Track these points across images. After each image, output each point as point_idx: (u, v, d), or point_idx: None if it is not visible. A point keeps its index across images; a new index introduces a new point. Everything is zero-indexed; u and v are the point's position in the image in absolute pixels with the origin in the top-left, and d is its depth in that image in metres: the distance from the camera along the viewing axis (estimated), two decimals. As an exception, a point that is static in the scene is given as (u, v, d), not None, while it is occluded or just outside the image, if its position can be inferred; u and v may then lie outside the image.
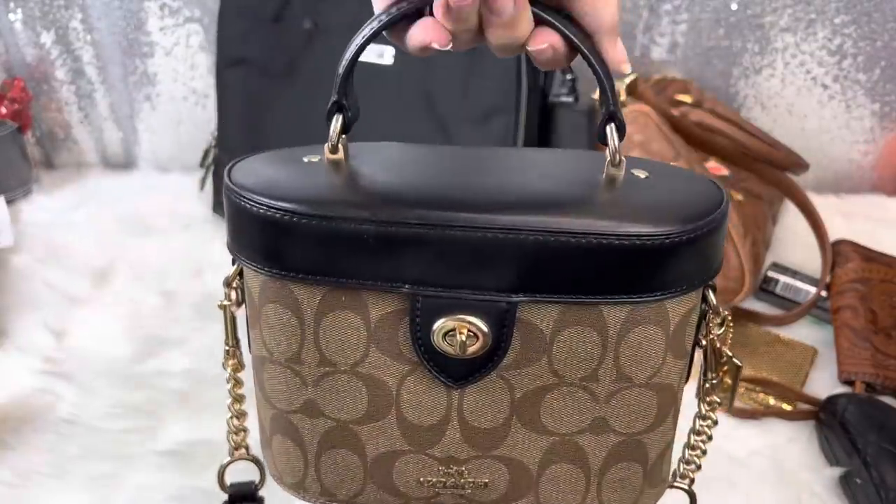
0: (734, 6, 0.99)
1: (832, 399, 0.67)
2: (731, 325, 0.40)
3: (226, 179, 0.38)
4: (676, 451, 0.45)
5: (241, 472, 0.50)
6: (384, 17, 0.36)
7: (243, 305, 0.41)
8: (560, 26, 0.35)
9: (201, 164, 1.01)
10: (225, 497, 0.51)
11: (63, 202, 1.00)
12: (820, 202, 0.91)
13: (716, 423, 0.44)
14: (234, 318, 0.43)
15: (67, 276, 0.86)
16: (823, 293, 0.82)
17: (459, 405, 0.38)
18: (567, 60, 0.36)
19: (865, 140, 1.06)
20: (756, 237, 0.82)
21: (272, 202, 0.35)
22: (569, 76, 0.86)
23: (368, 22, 0.36)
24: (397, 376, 0.38)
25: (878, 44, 0.99)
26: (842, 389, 0.72)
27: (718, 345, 0.40)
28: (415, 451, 0.40)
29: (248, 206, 0.36)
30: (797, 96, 1.03)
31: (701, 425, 0.44)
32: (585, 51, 0.35)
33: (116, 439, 0.65)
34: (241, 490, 0.50)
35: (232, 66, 0.90)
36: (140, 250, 0.91)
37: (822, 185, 1.06)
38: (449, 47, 0.35)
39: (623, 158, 0.38)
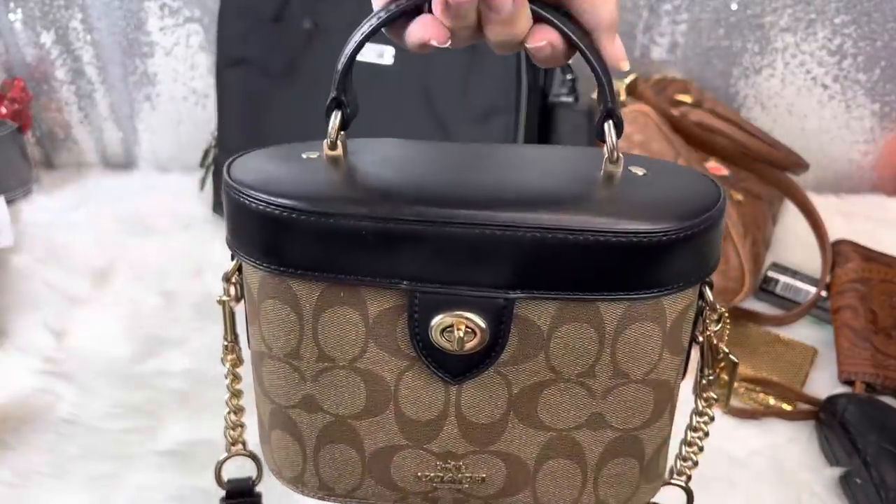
0: (734, 6, 0.99)
1: (832, 399, 0.67)
2: (728, 321, 0.40)
3: (225, 175, 0.38)
4: (673, 448, 0.45)
5: (239, 469, 0.51)
6: (383, 14, 0.36)
7: (242, 301, 0.41)
8: (558, 24, 0.35)
9: (201, 164, 1.01)
10: (222, 493, 0.51)
11: (63, 202, 1.00)
12: (820, 202, 0.91)
13: (712, 419, 0.44)
14: (232, 314, 0.43)
15: (67, 276, 0.86)
16: (823, 293, 0.82)
17: (457, 401, 0.38)
18: (565, 58, 0.37)
19: (865, 140, 1.06)
20: (756, 237, 0.82)
21: (271, 199, 0.35)
22: (569, 76, 0.86)
23: (367, 19, 0.36)
24: (395, 372, 0.38)
25: (878, 44, 0.99)
26: (842, 389, 0.72)
27: (715, 341, 0.40)
28: (413, 446, 0.40)
29: (247, 202, 0.36)
30: (797, 96, 1.03)
31: (698, 422, 0.44)
32: (584, 48, 0.36)
33: (116, 439, 0.65)
34: (238, 486, 0.50)
35: (232, 66, 0.90)
36: (140, 250, 0.91)
37: (822, 185, 1.06)
38: (448, 44, 0.35)
39: (621, 155, 0.38)
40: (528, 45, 0.36)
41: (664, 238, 0.34)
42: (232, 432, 0.47)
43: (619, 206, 0.35)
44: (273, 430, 0.42)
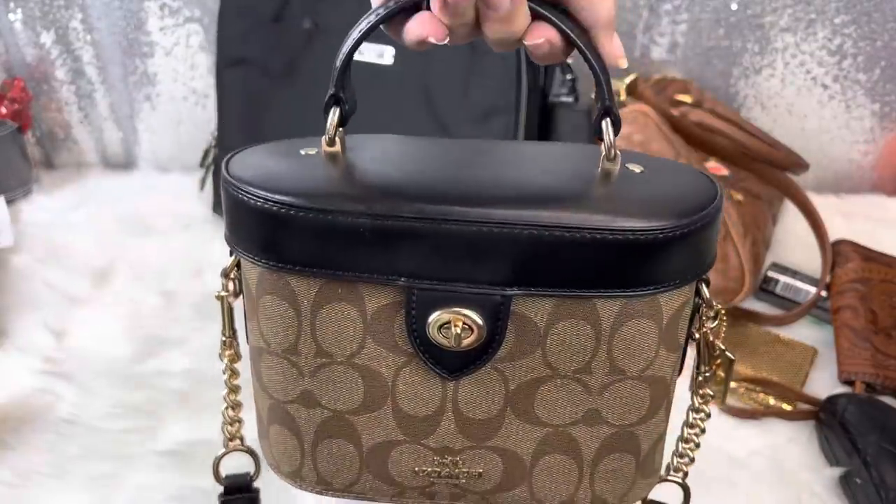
0: (734, 6, 0.99)
1: (832, 399, 0.67)
2: (725, 318, 0.40)
3: (223, 171, 0.38)
4: (670, 445, 0.45)
5: (238, 465, 0.51)
6: (381, 11, 0.36)
7: (241, 296, 0.41)
8: (556, 21, 0.35)
9: (201, 164, 1.01)
10: (221, 489, 0.51)
11: (63, 202, 1.00)
12: (820, 202, 0.91)
13: (709, 415, 0.44)
14: (231, 309, 0.43)
15: (67, 276, 0.86)
16: (823, 293, 0.82)
17: (454, 396, 0.39)
18: (564, 55, 0.37)
19: (865, 140, 1.06)
20: (756, 237, 0.82)
21: (269, 195, 0.35)
22: (569, 76, 0.86)
23: (366, 16, 0.36)
24: (393, 368, 0.38)
25: (878, 44, 0.99)
26: (842, 389, 0.72)
27: (711, 338, 0.40)
28: (410, 442, 0.40)
29: (245, 198, 0.36)
30: (797, 96, 1.03)
31: (694, 418, 0.44)
32: (582, 46, 0.36)
33: (116, 439, 0.65)
34: (236, 482, 0.51)
35: (232, 66, 0.90)
36: (140, 250, 0.91)
37: (822, 185, 1.06)
38: (446, 41, 0.35)
39: (618, 153, 0.38)
40: (526, 43, 0.36)
41: (660, 236, 0.34)
42: (230, 427, 0.47)
43: (615, 203, 0.35)
44: (271, 425, 0.42)
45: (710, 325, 0.40)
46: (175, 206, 1.00)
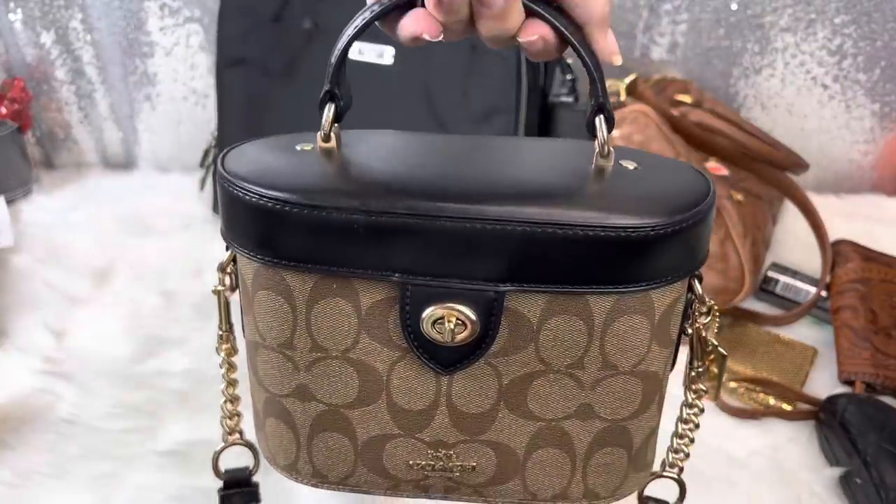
0: (734, 6, 0.99)
1: (832, 399, 0.67)
2: (718, 314, 0.40)
3: (219, 167, 0.38)
4: (666, 441, 0.46)
5: (238, 459, 0.51)
6: (376, 8, 0.36)
7: (237, 291, 0.42)
8: (550, 18, 0.35)
9: (201, 164, 1.01)
10: (220, 484, 0.51)
11: (63, 202, 1.00)
12: (820, 202, 0.91)
13: (702, 410, 0.45)
14: (227, 304, 0.43)
15: (67, 276, 0.86)
16: (823, 293, 0.82)
17: (448, 391, 0.39)
18: (558, 52, 0.37)
19: (865, 140, 1.06)
20: (756, 237, 0.82)
21: (264, 191, 0.36)
22: (569, 76, 0.86)
23: (360, 12, 0.37)
24: (387, 362, 0.39)
25: (878, 44, 0.99)
26: (842, 389, 0.72)
27: (704, 334, 0.40)
28: (404, 435, 0.40)
29: (240, 194, 0.36)
30: (797, 96, 1.03)
31: (688, 414, 0.45)
32: (575, 43, 0.36)
33: (116, 439, 0.65)
34: (235, 476, 0.51)
35: (232, 65, 0.90)
36: (140, 250, 0.91)
37: (822, 185, 1.06)
38: (440, 38, 0.35)
39: (611, 149, 0.38)
40: (520, 40, 0.36)
41: (652, 232, 0.35)
42: (228, 421, 0.48)
43: (608, 200, 0.36)
44: (267, 419, 0.43)
45: (703, 320, 0.40)
46: (175, 206, 1.00)
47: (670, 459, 0.46)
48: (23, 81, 1.02)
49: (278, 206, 0.35)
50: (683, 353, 0.42)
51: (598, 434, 0.40)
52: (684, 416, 0.45)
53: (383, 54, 0.84)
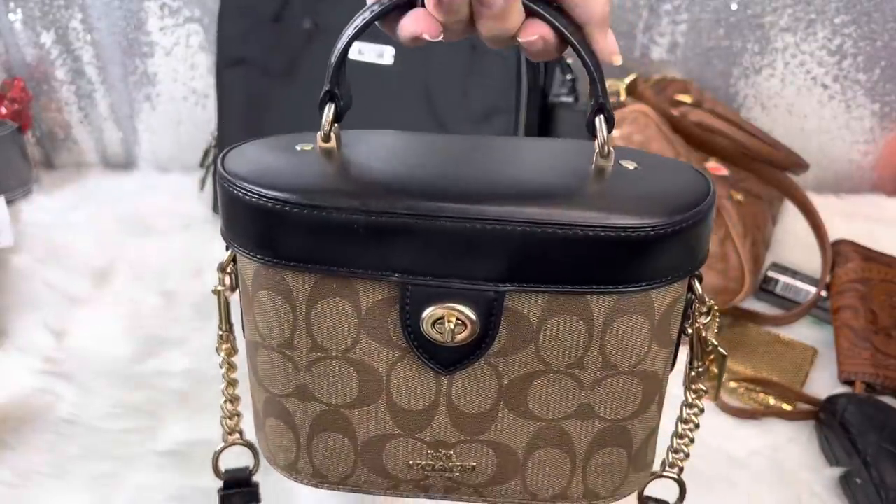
0: (734, 6, 0.99)
1: (832, 399, 0.67)
2: (718, 314, 0.40)
3: (219, 167, 0.38)
4: (666, 441, 0.46)
5: (238, 459, 0.51)
6: (376, 8, 0.36)
7: (237, 291, 0.42)
8: (550, 18, 0.35)
9: (201, 164, 1.01)
10: (220, 484, 0.51)
11: (63, 202, 1.00)
12: (820, 202, 0.91)
13: (702, 410, 0.45)
14: (227, 303, 0.43)
15: (67, 276, 0.86)
16: (823, 293, 0.82)
17: (448, 391, 0.39)
18: (557, 52, 0.37)
19: (865, 140, 1.06)
20: (756, 237, 0.82)
21: (264, 191, 0.36)
22: (569, 76, 0.86)
23: (360, 12, 0.37)
24: (387, 362, 0.39)
25: (878, 44, 0.99)
26: (842, 389, 0.72)
27: (704, 334, 0.40)
28: (404, 435, 0.40)
29: (240, 194, 0.36)
30: (797, 96, 1.03)
31: (688, 413, 0.45)
32: (575, 43, 0.36)
33: (116, 439, 0.65)
34: (235, 476, 0.51)
35: (232, 66, 0.90)
36: (140, 250, 0.91)
37: (822, 185, 1.06)
38: (440, 38, 0.36)
39: (611, 149, 0.38)
40: (520, 40, 0.36)
41: (653, 232, 0.35)
42: (229, 421, 0.48)
43: (608, 200, 0.36)
44: (267, 419, 0.43)
45: (703, 320, 0.40)
46: (175, 206, 1.00)
47: (670, 459, 0.46)
48: (23, 81, 1.02)
49: (278, 206, 0.35)
50: (683, 353, 0.42)
51: (598, 434, 0.40)
52: (684, 416, 0.45)
53: (383, 54, 0.84)
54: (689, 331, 0.40)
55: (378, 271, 0.36)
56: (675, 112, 0.88)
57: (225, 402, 0.47)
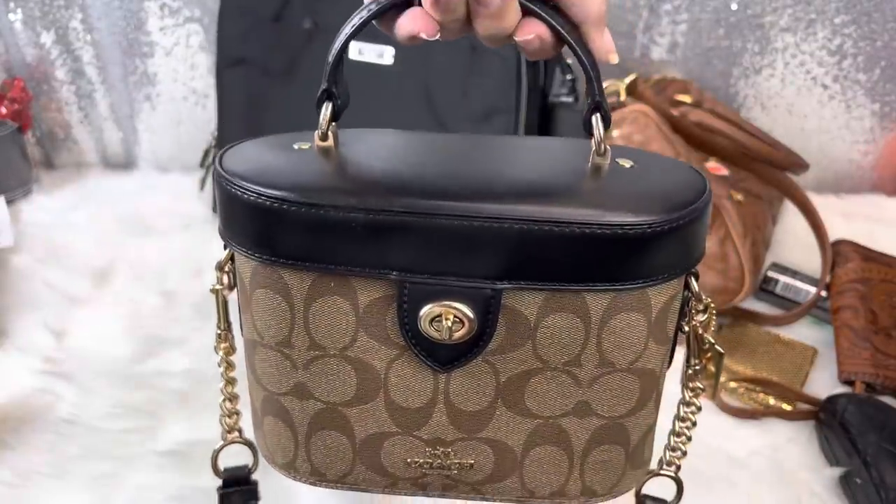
0: (734, 6, 0.99)
1: (832, 399, 0.67)
2: (714, 312, 0.40)
3: (217, 166, 0.38)
4: (663, 439, 0.46)
5: (237, 458, 0.51)
6: (374, 7, 0.36)
7: (235, 289, 0.42)
8: (547, 17, 0.36)
9: (201, 164, 1.01)
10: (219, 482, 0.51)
11: (63, 202, 1.00)
12: (820, 202, 0.91)
13: (699, 408, 0.45)
14: (226, 302, 0.43)
15: (67, 276, 0.86)
16: (823, 293, 0.82)
17: (446, 389, 0.39)
18: (554, 50, 0.37)
19: (865, 140, 1.06)
20: (756, 237, 0.82)
21: (262, 189, 0.36)
22: (569, 76, 0.86)
23: (358, 11, 0.37)
24: (385, 360, 0.39)
25: (878, 44, 0.99)
26: (842, 389, 0.72)
27: (701, 331, 0.41)
28: (402, 433, 0.40)
29: (238, 193, 0.36)
30: (797, 96, 1.03)
31: (685, 412, 0.45)
32: (572, 41, 0.36)
33: (116, 439, 0.65)
34: (234, 474, 0.51)
35: (232, 65, 0.90)
36: (140, 250, 0.91)
37: (822, 185, 1.06)
38: (437, 37, 0.36)
39: (608, 148, 0.38)
40: (516, 39, 0.36)
41: (649, 230, 0.35)
42: (228, 420, 0.48)
43: (605, 198, 0.36)
44: (265, 417, 0.43)
45: (700, 318, 0.40)
46: (175, 206, 1.00)
47: (667, 458, 0.46)
48: (23, 81, 1.02)
49: (276, 205, 0.35)
50: (681, 351, 0.42)
51: (595, 431, 0.40)
52: (682, 414, 0.45)
53: (383, 54, 0.84)
54: (686, 328, 0.40)
55: (376, 269, 0.36)
56: (675, 112, 0.88)
57: (223, 400, 0.47)
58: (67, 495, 0.60)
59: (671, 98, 0.93)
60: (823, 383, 0.74)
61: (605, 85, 0.89)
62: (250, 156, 0.39)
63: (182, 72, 1.05)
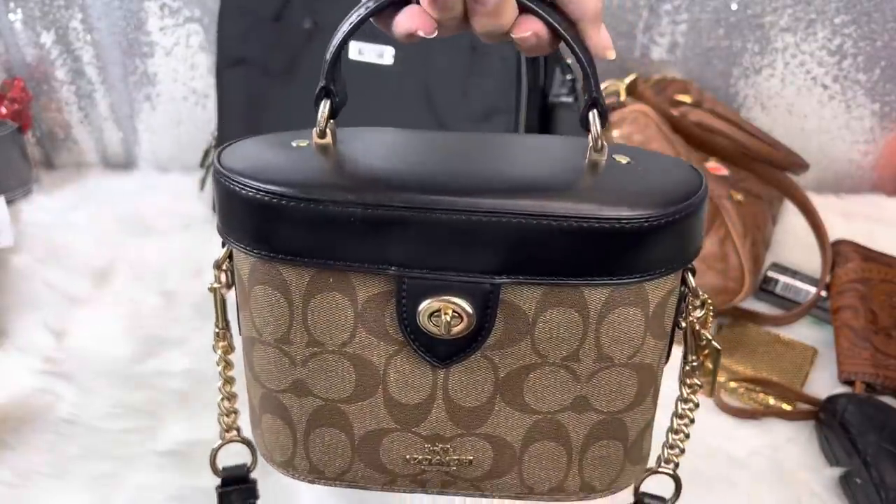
0: (734, 6, 0.99)
1: (832, 399, 0.67)
2: (712, 308, 0.40)
3: (215, 163, 0.38)
4: (661, 437, 0.46)
5: (236, 457, 0.51)
6: (371, 4, 0.36)
7: (233, 288, 0.42)
8: (543, 14, 0.36)
9: (201, 164, 1.01)
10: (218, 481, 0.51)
11: (63, 202, 1.00)
12: (820, 202, 0.91)
13: (697, 405, 0.45)
14: (223, 301, 0.43)
15: (67, 276, 0.86)
16: (823, 293, 0.82)
17: (445, 384, 0.39)
18: (551, 47, 0.37)
19: (865, 140, 1.06)
20: (756, 237, 0.82)
21: (261, 185, 0.36)
22: (569, 76, 0.86)
23: (356, 9, 0.37)
24: (384, 356, 0.39)
25: (878, 44, 0.99)
26: (842, 389, 0.72)
27: (698, 327, 0.41)
28: (401, 430, 0.40)
29: (237, 189, 0.36)
30: (797, 96, 1.03)
31: (683, 409, 0.45)
32: (569, 38, 0.36)
33: (116, 439, 0.65)
34: (233, 473, 0.51)
35: (232, 65, 0.90)
36: (140, 250, 0.91)
37: (822, 185, 1.06)
38: (434, 35, 0.36)
39: (605, 144, 0.38)
40: (513, 36, 0.36)
41: (646, 224, 0.35)
42: (226, 419, 0.48)
43: (602, 193, 0.36)
44: (264, 415, 0.43)
45: (697, 314, 0.40)
46: (175, 206, 1.00)
47: (665, 455, 0.46)
48: (23, 81, 1.02)
49: (275, 200, 0.36)
50: (679, 348, 0.42)
51: (593, 427, 0.40)
52: (679, 410, 0.45)
53: (383, 54, 0.84)
54: (683, 324, 0.41)
55: (374, 265, 0.36)
56: (675, 112, 0.88)
57: (222, 399, 0.47)
58: (67, 495, 0.60)
59: (671, 98, 0.93)
60: (823, 383, 0.74)
61: (605, 85, 0.89)
62: (248, 153, 0.39)
63: (182, 72, 1.05)
